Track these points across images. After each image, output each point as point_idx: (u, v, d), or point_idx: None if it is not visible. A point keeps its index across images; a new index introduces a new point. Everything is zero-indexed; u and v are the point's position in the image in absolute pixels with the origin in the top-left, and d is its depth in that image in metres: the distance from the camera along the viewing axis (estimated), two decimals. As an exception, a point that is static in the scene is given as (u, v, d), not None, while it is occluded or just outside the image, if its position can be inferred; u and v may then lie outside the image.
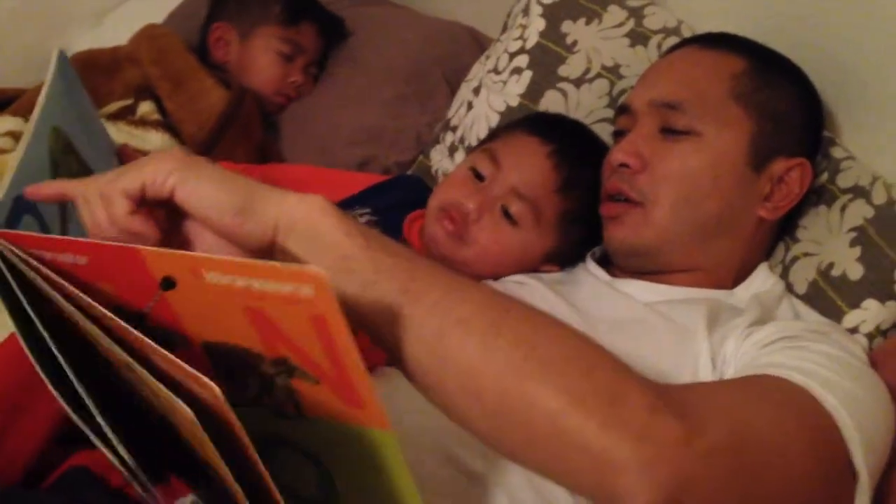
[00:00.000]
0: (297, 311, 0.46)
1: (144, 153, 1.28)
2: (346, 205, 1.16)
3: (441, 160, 1.33)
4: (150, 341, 0.46)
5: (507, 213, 1.01)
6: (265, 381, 0.52)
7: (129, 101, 1.37)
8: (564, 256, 1.05)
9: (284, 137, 1.48)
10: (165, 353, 0.46)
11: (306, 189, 1.24)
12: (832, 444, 0.67)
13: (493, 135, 1.14)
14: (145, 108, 1.36)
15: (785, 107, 0.94)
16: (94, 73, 1.42)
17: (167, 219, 0.59)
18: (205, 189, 0.56)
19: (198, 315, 0.51)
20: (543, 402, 0.53)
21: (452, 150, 1.31)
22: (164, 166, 0.56)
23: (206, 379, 0.44)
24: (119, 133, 1.30)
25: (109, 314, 0.48)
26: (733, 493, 0.58)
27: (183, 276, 0.49)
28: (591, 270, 1.00)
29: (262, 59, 1.45)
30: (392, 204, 1.13)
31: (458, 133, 1.31)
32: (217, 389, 0.44)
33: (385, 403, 0.64)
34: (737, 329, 0.80)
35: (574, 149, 1.04)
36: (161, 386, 0.45)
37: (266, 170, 1.34)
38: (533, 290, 0.95)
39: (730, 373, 0.78)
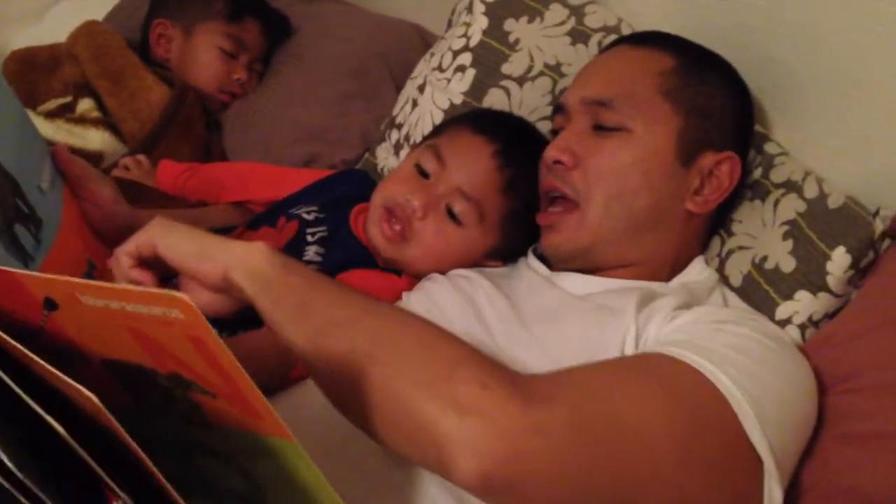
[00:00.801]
0: (173, 331, 0.47)
1: (82, 153, 1.27)
2: (292, 202, 1.15)
3: (387, 158, 1.33)
4: (31, 354, 0.46)
5: (451, 213, 1.01)
6: (165, 393, 0.53)
7: (67, 99, 1.35)
8: (507, 253, 1.06)
9: (228, 135, 1.47)
10: (44, 364, 0.46)
11: (250, 185, 1.25)
12: (721, 425, 0.68)
13: (438, 130, 1.14)
14: (85, 105, 1.34)
15: (713, 102, 0.95)
16: (32, 71, 1.40)
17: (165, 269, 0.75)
18: (175, 242, 0.73)
19: (88, 334, 0.52)
20: (387, 386, 0.61)
21: (398, 147, 1.31)
22: (151, 231, 0.74)
23: (82, 388, 0.44)
24: (58, 131, 1.28)
25: None
26: (575, 467, 0.61)
27: (61, 298, 0.50)
28: (531, 265, 1.01)
29: (205, 55, 1.44)
30: (337, 198, 1.13)
31: (404, 131, 1.30)
32: (94, 397, 0.44)
33: (323, 407, 0.65)
34: (662, 311, 0.82)
35: (518, 148, 1.05)
36: (29, 401, 0.45)
37: (210, 168, 1.33)
38: (476, 284, 0.96)
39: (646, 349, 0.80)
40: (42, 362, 0.46)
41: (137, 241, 0.74)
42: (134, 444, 0.46)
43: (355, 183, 1.17)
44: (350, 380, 0.62)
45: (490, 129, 1.06)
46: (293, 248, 1.05)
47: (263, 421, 0.50)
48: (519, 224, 1.04)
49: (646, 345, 0.80)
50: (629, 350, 0.80)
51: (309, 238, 1.07)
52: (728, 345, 0.73)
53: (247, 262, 0.69)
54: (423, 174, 1.04)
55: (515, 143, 1.05)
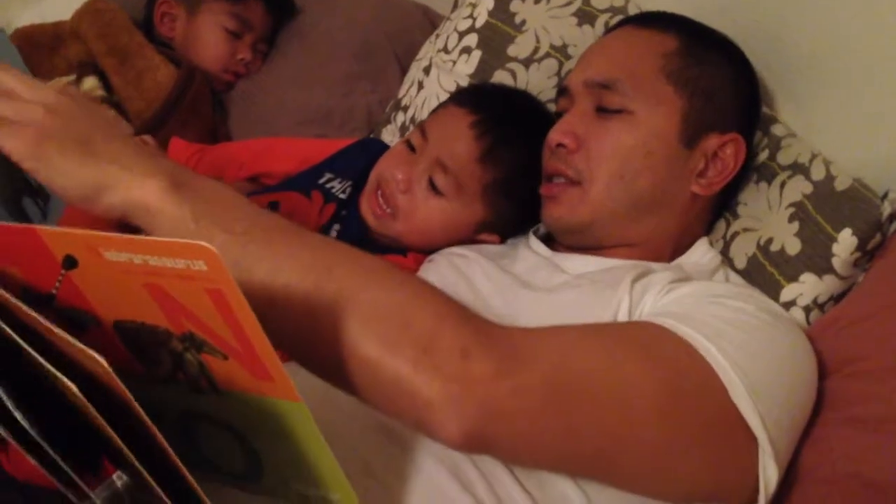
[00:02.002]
0: (193, 286, 0.47)
1: None
2: (320, 172, 1.16)
3: (392, 140, 1.32)
4: (40, 318, 0.46)
5: (433, 185, 1.03)
6: (176, 356, 0.53)
7: (71, 78, 1.34)
8: (500, 227, 1.06)
9: (232, 116, 1.46)
10: (52, 326, 0.46)
11: (269, 158, 1.25)
12: (705, 394, 0.68)
13: (434, 110, 1.15)
14: (88, 83, 1.33)
15: (717, 83, 0.94)
16: (35, 49, 1.39)
17: None
18: (58, 177, 0.63)
19: (104, 294, 0.51)
20: (364, 351, 0.59)
21: (403, 129, 1.30)
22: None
23: (91, 351, 0.44)
24: (61, 109, 1.28)
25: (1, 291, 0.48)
26: (552, 427, 0.63)
27: (83, 254, 0.49)
28: (532, 246, 1.01)
29: (209, 35, 1.42)
30: (365, 167, 1.13)
31: (409, 113, 1.30)
32: (103, 360, 0.44)
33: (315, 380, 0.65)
34: (657, 283, 0.81)
35: (501, 117, 1.05)
36: (42, 361, 0.45)
37: (223, 147, 1.33)
38: (472, 260, 0.97)
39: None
40: (53, 327, 0.46)
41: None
42: (142, 412, 0.46)
43: (378, 152, 1.17)
44: (320, 340, 0.60)
45: (473, 102, 1.07)
46: (324, 229, 1.08)
47: (273, 382, 0.50)
48: (504, 195, 1.04)
49: (640, 316, 0.79)
50: (622, 320, 0.80)
51: (338, 216, 1.10)
52: (722, 318, 0.73)
53: (154, 216, 0.61)
54: (411, 149, 1.06)
55: (497, 113, 1.06)
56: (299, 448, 0.55)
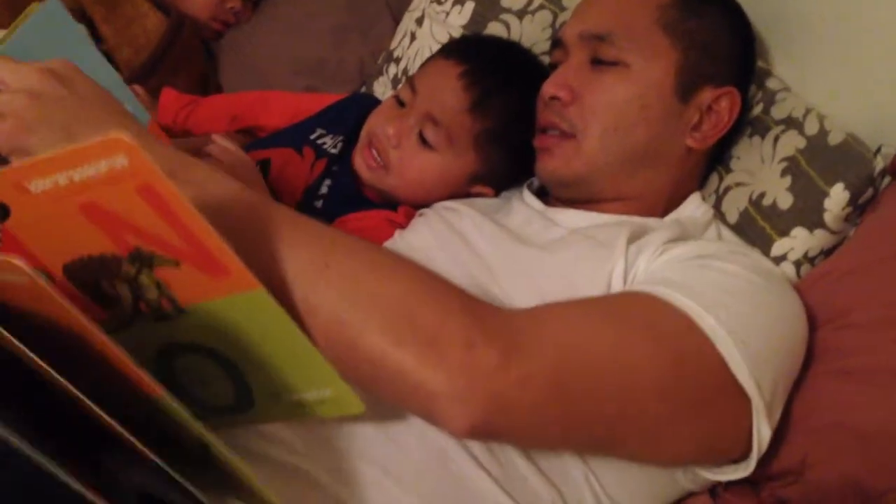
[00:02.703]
0: (123, 189, 0.46)
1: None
2: (310, 127, 1.15)
3: (384, 92, 1.31)
4: None
5: (423, 139, 1.02)
6: (132, 283, 0.52)
7: (59, 25, 1.32)
8: (493, 178, 1.06)
9: (222, 66, 1.44)
10: None
11: (263, 112, 1.23)
12: (706, 368, 0.69)
13: (423, 64, 1.13)
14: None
15: (713, 36, 0.94)
16: (21, -4, 1.36)
17: None
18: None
19: (44, 238, 0.50)
20: (368, 344, 0.59)
21: (396, 82, 1.29)
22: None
23: (7, 256, 0.44)
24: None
25: None
26: (557, 415, 0.64)
27: (11, 197, 0.48)
28: (525, 200, 1.00)
29: (198, -19, 1.40)
30: (357, 122, 1.13)
31: (402, 65, 1.29)
32: (18, 260, 0.43)
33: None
34: (652, 244, 0.82)
35: (490, 66, 1.04)
36: None
37: (216, 99, 1.31)
38: (462, 214, 0.96)
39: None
40: None
41: None
42: (90, 324, 0.46)
43: (370, 107, 1.16)
44: (321, 335, 0.59)
45: (461, 53, 1.06)
46: (316, 185, 1.08)
47: (229, 273, 0.50)
48: (496, 145, 1.04)
49: (635, 279, 0.80)
50: (617, 283, 0.80)
51: (329, 172, 1.09)
52: (716, 285, 0.73)
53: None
54: (401, 105, 1.05)
55: (487, 63, 1.05)
56: (277, 345, 0.54)
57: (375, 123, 1.06)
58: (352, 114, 1.16)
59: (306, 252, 0.60)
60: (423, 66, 1.11)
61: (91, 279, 0.53)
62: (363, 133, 1.08)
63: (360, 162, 1.06)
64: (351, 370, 0.59)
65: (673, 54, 0.92)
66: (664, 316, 0.70)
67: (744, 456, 0.74)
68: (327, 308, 0.59)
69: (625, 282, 0.80)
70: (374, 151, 1.05)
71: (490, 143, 1.04)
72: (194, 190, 0.56)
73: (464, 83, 1.02)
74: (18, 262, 0.44)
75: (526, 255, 0.86)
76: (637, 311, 0.71)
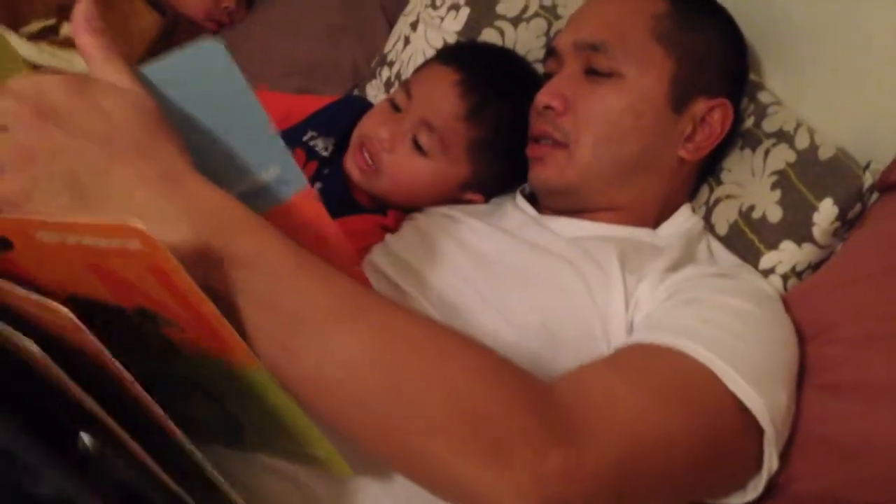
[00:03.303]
0: (133, 263, 0.44)
1: None
2: (303, 130, 1.15)
3: (377, 95, 1.31)
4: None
5: (417, 144, 1.02)
6: (134, 330, 0.51)
7: (51, 21, 1.32)
8: (485, 186, 1.06)
9: (216, 66, 1.44)
10: (12, 286, 0.44)
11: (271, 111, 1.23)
12: (729, 417, 0.69)
13: (418, 68, 1.14)
14: (69, 28, 1.31)
15: (707, 47, 0.94)
16: (15, -10, 1.36)
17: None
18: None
19: (48, 272, 0.48)
20: (428, 449, 0.54)
21: (389, 85, 1.29)
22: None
23: (56, 304, 0.42)
24: (41, 53, 1.26)
25: None
26: (615, 497, 0.62)
27: (16, 237, 0.46)
28: (519, 205, 1.00)
29: (193, -19, 1.40)
30: (349, 125, 1.13)
31: (395, 68, 1.29)
32: (68, 312, 0.42)
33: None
34: (654, 273, 0.82)
35: (487, 75, 1.04)
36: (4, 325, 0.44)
37: None
38: (459, 221, 0.96)
39: (639, 317, 0.80)
40: (10, 284, 0.44)
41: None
42: (112, 360, 0.45)
43: (362, 110, 1.16)
44: (376, 431, 0.55)
45: (458, 59, 1.06)
46: None
47: (231, 351, 0.49)
48: (489, 153, 1.04)
49: (637, 307, 0.80)
50: (618, 312, 0.80)
51: (320, 175, 1.09)
52: (731, 330, 0.73)
53: None
54: (396, 109, 1.05)
55: (484, 71, 1.05)
56: (272, 411, 0.54)
57: (369, 126, 1.06)
58: (344, 116, 1.16)
59: (368, 342, 0.54)
60: (418, 70, 1.11)
61: (94, 314, 0.50)
62: (355, 136, 1.08)
63: (352, 164, 1.06)
64: (409, 468, 0.56)
65: (667, 65, 0.92)
66: (694, 378, 0.69)
67: (748, 478, 0.74)
68: (386, 400, 0.53)
69: (626, 309, 0.80)
70: (367, 154, 1.04)
71: (484, 151, 1.04)
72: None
73: (460, 91, 1.03)
74: (60, 308, 0.43)
75: (524, 265, 0.86)
76: (674, 378, 0.70)
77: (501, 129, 1.03)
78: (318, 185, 1.08)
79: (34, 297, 0.43)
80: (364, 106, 1.19)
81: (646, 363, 0.72)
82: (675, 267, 0.84)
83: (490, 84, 1.03)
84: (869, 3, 0.91)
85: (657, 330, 0.74)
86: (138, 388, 0.47)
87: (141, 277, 0.45)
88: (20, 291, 0.44)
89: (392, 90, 1.27)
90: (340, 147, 1.12)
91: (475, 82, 1.03)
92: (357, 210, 1.06)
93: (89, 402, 0.46)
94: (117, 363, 0.45)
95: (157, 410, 0.48)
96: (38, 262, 0.48)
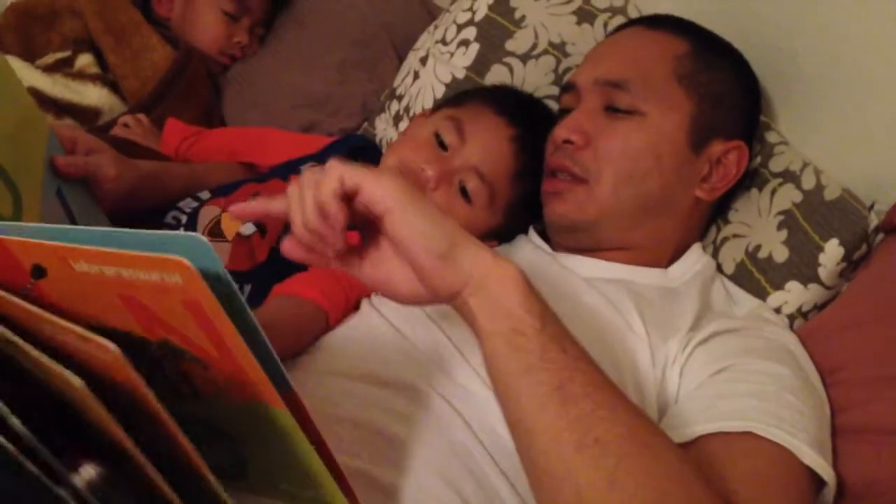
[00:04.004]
0: (169, 297, 0.45)
1: (79, 108, 1.26)
2: (298, 161, 1.15)
3: (386, 129, 1.32)
4: (38, 309, 0.45)
5: (463, 189, 1.00)
6: (154, 363, 0.51)
7: (66, 54, 1.34)
8: (504, 235, 1.06)
9: (227, 98, 1.46)
10: (56, 318, 0.45)
11: (260, 150, 1.25)
12: (803, 486, 0.71)
13: (457, 101, 1.11)
14: (83, 60, 1.33)
15: (725, 89, 0.95)
16: (31, 23, 1.39)
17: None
18: (418, 224, 0.58)
19: (76, 301, 0.50)
20: None
21: (397, 119, 1.30)
22: (387, 186, 0.58)
23: (103, 340, 0.43)
24: (55, 85, 1.28)
25: None
26: None
27: (52, 264, 0.48)
28: (534, 241, 1.00)
29: (207, 16, 1.42)
30: (348, 154, 1.14)
31: (404, 102, 1.30)
32: (115, 348, 0.43)
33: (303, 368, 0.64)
34: (679, 331, 0.82)
35: (536, 135, 1.03)
36: (43, 357, 0.44)
37: (218, 133, 1.33)
38: None
39: (673, 376, 0.80)
40: (54, 317, 0.45)
41: (363, 184, 0.58)
42: (154, 399, 0.46)
43: (358, 148, 1.17)
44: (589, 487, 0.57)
45: (511, 112, 1.05)
46: None
47: (257, 389, 0.49)
48: (523, 209, 1.04)
49: (669, 364, 0.81)
50: (644, 364, 0.80)
51: None
52: (792, 406, 0.74)
53: (497, 294, 0.59)
54: (441, 145, 1.02)
55: (533, 129, 1.04)
56: (286, 451, 0.54)
57: (411, 157, 1.01)
58: (343, 148, 1.17)
59: (623, 428, 0.58)
60: (467, 109, 1.06)
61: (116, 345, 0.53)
62: (391, 163, 1.03)
63: None
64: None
65: (687, 106, 0.92)
66: (780, 465, 0.71)
67: None
68: (580, 481, 0.56)
69: (653, 363, 0.80)
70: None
71: (523, 209, 1.03)
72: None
73: (516, 148, 1.02)
74: (108, 343, 0.44)
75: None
76: (773, 469, 0.71)
77: (538, 186, 1.00)
78: None
79: (79, 329, 0.44)
80: (363, 143, 1.19)
81: (730, 455, 0.71)
82: (698, 321, 0.84)
83: (539, 143, 1.02)
84: (874, 46, 0.92)
85: (723, 418, 0.73)
86: (174, 425, 0.47)
87: (173, 311, 0.46)
88: (65, 323, 0.45)
89: (401, 123, 1.28)
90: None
91: (528, 140, 1.02)
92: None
93: (121, 436, 0.46)
94: (156, 399, 0.46)
95: (191, 448, 0.48)
96: (66, 292, 0.49)
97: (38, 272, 0.48)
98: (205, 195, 1.10)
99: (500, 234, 1.05)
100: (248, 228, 1.05)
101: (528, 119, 1.06)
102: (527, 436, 0.59)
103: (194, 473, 0.50)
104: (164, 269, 0.44)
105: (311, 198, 0.58)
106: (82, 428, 0.48)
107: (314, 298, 0.90)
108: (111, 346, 0.43)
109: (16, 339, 0.45)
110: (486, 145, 1.01)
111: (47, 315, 0.45)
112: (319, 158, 1.16)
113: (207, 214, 1.07)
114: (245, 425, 0.54)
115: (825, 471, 0.71)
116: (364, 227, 0.64)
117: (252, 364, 0.48)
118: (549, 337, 0.59)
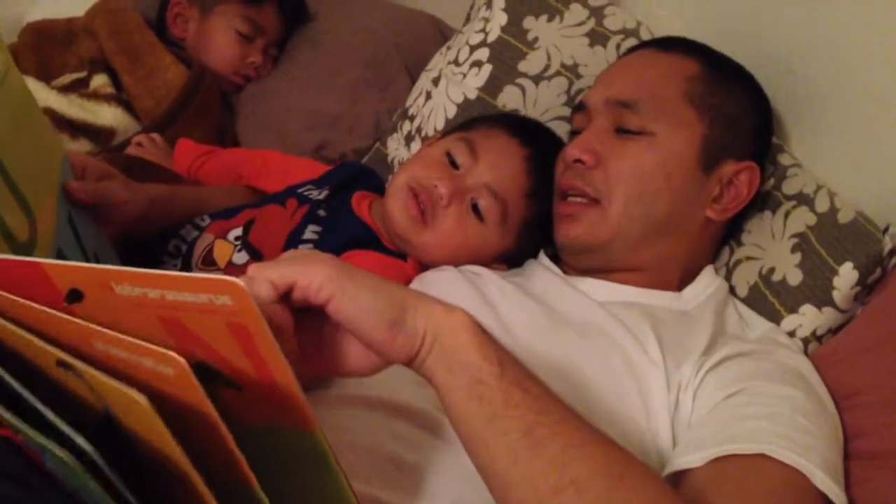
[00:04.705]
0: (213, 319, 0.45)
1: (93, 128, 1.27)
2: (297, 185, 1.15)
3: (397, 149, 1.33)
4: (93, 325, 0.45)
5: (475, 207, 1.00)
6: None
7: (82, 74, 1.36)
8: (515, 258, 1.05)
9: (240, 118, 1.47)
10: (115, 333, 0.44)
11: (263, 175, 1.25)
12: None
13: (468, 125, 1.11)
14: (99, 80, 1.34)
15: (736, 110, 0.95)
16: (47, 44, 1.40)
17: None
18: (362, 300, 0.56)
19: (109, 323, 0.48)
20: None
21: (409, 139, 1.31)
22: (321, 272, 0.56)
23: (168, 352, 0.43)
24: (71, 105, 1.29)
25: (38, 305, 0.46)
26: None
27: (90, 288, 0.47)
28: (545, 264, 1.00)
29: (221, 37, 1.43)
30: (341, 184, 1.13)
31: (416, 122, 1.30)
32: (182, 360, 0.42)
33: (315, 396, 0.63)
34: (693, 355, 0.82)
35: (547, 157, 1.04)
36: (101, 375, 0.44)
37: (229, 154, 1.33)
38: (487, 280, 0.95)
39: (687, 400, 0.80)
40: (112, 332, 0.44)
41: (297, 279, 0.56)
42: (216, 413, 0.45)
43: (355, 173, 1.17)
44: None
45: (524, 133, 1.05)
46: (297, 230, 1.05)
47: (291, 411, 0.49)
48: (534, 230, 1.04)
49: (682, 389, 0.80)
50: (659, 391, 0.80)
51: (313, 216, 1.07)
52: (804, 429, 0.73)
53: (453, 347, 0.57)
54: (453, 164, 1.02)
55: (545, 150, 1.05)
56: (311, 478, 0.54)
57: (423, 175, 1.01)
58: (342, 172, 1.17)
59: (595, 463, 0.58)
60: (480, 131, 1.06)
61: None
62: (402, 179, 1.03)
63: (401, 209, 1.01)
64: None
65: (698, 126, 0.93)
66: (790, 484, 0.70)
67: None
68: None
69: (668, 388, 0.80)
70: (420, 203, 1.00)
71: (535, 229, 1.03)
72: None
73: (528, 167, 1.02)
74: (179, 359, 0.43)
75: (561, 330, 0.86)
76: (785, 491, 0.70)
77: (548, 207, 1.01)
78: (313, 227, 1.05)
79: (146, 345, 0.44)
80: (362, 170, 1.20)
81: (743, 476, 0.71)
82: (711, 345, 0.84)
83: (550, 165, 1.02)
84: (888, 69, 0.92)
85: (735, 440, 0.73)
86: (231, 441, 0.47)
87: (216, 333, 0.46)
88: (121, 336, 0.44)
89: (413, 143, 1.28)
90: (335, 192, 1.11)
91: (540, 160, 1.03)
92: (371, 246, 1.04)
93: (181, 458, 0.46)
94: (220, 420, 0.45)
95: (247, 467, 0.48)
96: (98, 315, 0.48)
97: (74, 296, 0.47)
98: (205, 221, 1.09)
99: (510, 257, 1.05)
100: (242, 257, 1.03)
101: (539, 140, 1.06)
102: (500, 485, 0.58)
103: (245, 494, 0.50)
104: (216, 292, 0.44)
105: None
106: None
107: None
108: (179, 358, 0.43)
109: (73, 361, 0.45)
110: (498, 163, 1.02)
111: (106, 330, 0.44)
112: (319, 184, 1.15)
113: (202, 243, 1.06)
114: (272, 452, 0.53)
115: (837, 496, 0.70)
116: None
117: (293, 386, 0.48)
118: (509, 381, 0.57)
